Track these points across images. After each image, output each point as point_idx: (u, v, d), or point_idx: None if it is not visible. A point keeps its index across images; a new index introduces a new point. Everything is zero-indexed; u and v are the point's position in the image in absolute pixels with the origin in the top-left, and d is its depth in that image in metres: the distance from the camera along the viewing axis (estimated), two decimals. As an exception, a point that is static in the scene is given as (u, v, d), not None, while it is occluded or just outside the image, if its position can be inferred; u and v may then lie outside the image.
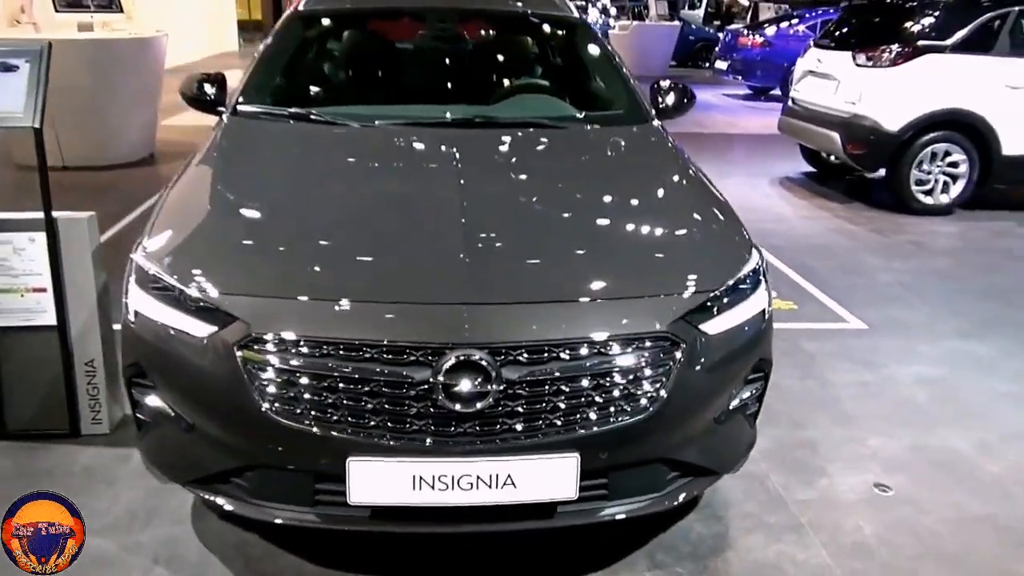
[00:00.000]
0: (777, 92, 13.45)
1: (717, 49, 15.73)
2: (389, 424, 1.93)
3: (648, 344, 2.01)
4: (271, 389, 1.94)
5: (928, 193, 6.55)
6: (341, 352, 1.92)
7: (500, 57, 3.93)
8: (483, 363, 1.89)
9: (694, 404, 2.11)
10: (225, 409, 2.00)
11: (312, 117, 3.07)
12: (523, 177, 2.83)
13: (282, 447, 1.98)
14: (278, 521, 2.06)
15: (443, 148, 2.88)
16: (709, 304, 2.12)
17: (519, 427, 1.95)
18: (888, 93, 6.45)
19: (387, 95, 3.52)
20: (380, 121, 3.06)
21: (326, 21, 3.79)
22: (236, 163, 2.81)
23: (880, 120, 6.41)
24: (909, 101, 6.37)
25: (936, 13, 6.48)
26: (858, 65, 6.67)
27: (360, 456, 1.92)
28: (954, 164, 6.47)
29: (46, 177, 2.69)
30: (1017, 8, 6.38)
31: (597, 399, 1.98)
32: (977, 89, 6.35)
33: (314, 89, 3.55)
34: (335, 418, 1.93)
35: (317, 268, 2.13)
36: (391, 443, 1.92)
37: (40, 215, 2.72)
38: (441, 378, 1.89)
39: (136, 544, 2.36)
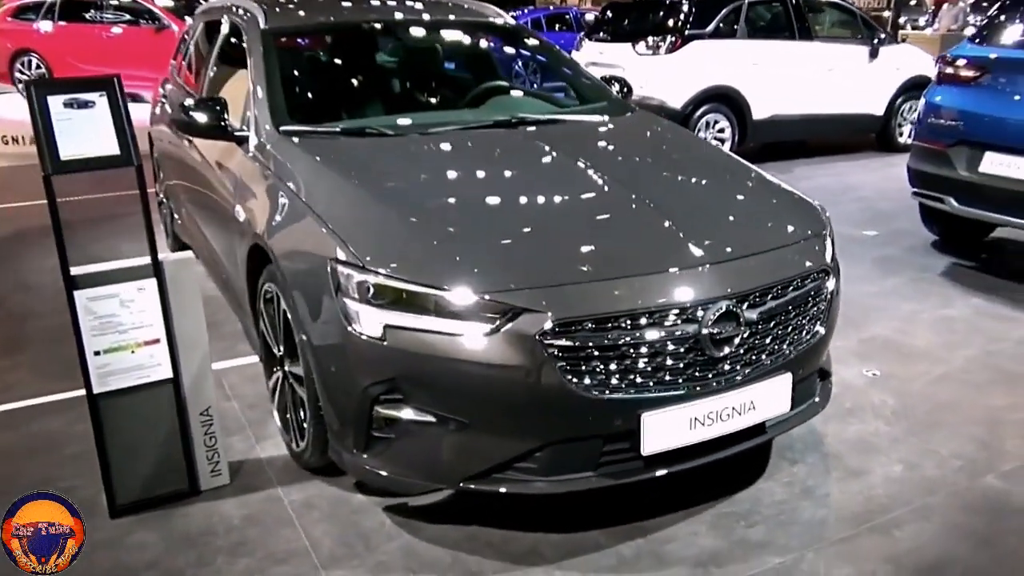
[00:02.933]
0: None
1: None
2: (668, 378, 2.24)
3: (819, 276, 2.55)
4: (573, 367, 2.15)
5: (706, 156, 7.87)
6: (627, 323, 2.19)
7: (470, 63, 4.15)
8: (735, 310, 2.29)
9: (834, 318, 2.69)
10: (523, 396, 2.15)
11: (368, 131, 3.11)
12: (622, 159, 3.14)
13: (583, 419, 2.19)
14: (565, 491, 2.26)
15: (530, 144, 3.11)
16: (828, 242, 2.71)
17: (755, 358, 2.37)
18: (669, 76, 7.61)
19: (390, 105, 3.61)
20: (434, 129, 3.19)
21: (299, 39, 3.73)
22: (365, 173, 2.78)
23: (666, 99, 7.55)
24: (686, 81, 7.58)
25: (695, 6, 7.76)
26: (639, 54, 7.77)
27: (651, 410, 2.21)
28: (721, 130, 7.84)
29: (150, 219, 2.48)
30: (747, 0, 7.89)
31: (799, 324, 2.47)
32: (731, 68, 7.74)
33: (327, 104, 3.52)
34: (627, 382, 2.20)
35: (563, 256, 2.32)
36: (673, 393, 2.24)
37: (145, 260, 2.49)
38: (705, 329, 2.25)
39: (381, 563, 2.37)
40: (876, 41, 8.76)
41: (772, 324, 2.40)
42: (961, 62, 5.00)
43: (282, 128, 3.06)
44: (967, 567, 2.37)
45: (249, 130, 3.15)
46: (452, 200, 2.65)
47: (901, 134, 9.22)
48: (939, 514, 2.60)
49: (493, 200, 2.65)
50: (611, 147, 3.29)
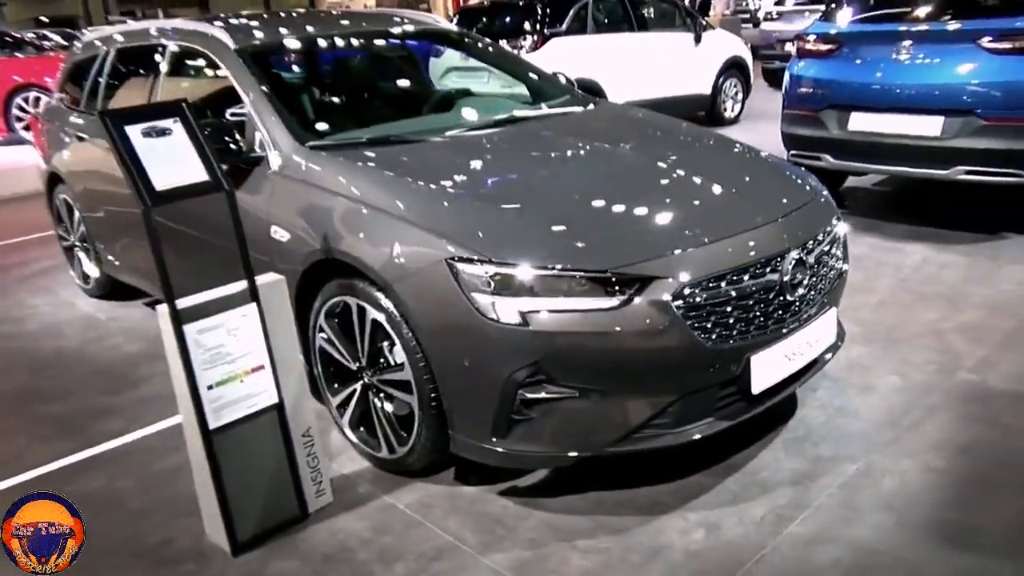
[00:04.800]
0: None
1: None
2: (766, 322, 2.56)
3: (839, 222, 2.97)
4: (699, 323, 2.40)
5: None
6: (735, 277, 2.47)
7: (433, 70, 4.23)
8: (804, 257, 2.64)
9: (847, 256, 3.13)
10: (658, 357, 2.38)
11: (391, 139, 3.16)
12: (640, 141, 3.37)
13: (708, 369, 2.45)
14: (698, 436, 2.51)
15: (556, 137, 3.32)
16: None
17: (814, 296, 2.74)
18: (536, 72, 7.99)
19: (379, 114, 3.66)
20: (451, 132, 3.29)
21: (274, 57, 3.66)
22: (426, 175, 2.83)
23: (536, 94, 7.93)
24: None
25: (549, 6, 8.20)
26: (505, 53, 8.08)
27: (756, 352, 2.52)
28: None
29: (244, 244, 2.42)
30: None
31: (832, 264, 2.87)
32: (588, 61, 8.26)
33: (327, 118, 3.50)
34: (737, 330, 2.48)
35: (666, 227, 2.56)
36: (771, 335, 2.56)
37: (243, 285, 2.43)
38: (786, 276, 2.59)
39: (532, 540, 2.49)
40: (698, 28, 9.68)
41: (820, 266, 2.78)
42: (815, 38, 5.77)
43: (309, 144, 3.04)
44: (988, 443, 2.89)
45: (267, 151, 3.09)
46: (529, 191, 2.80)
47: (725, 109, 10.26)
48: (944, 408, 3.12)
49: (566, 187, 2.82)
50: (621, 132, 3.54)
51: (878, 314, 4.03)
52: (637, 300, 2.35)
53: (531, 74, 4.21)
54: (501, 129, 3.38)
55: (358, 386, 2.87)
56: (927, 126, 5.05)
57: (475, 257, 2.39)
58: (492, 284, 2.36)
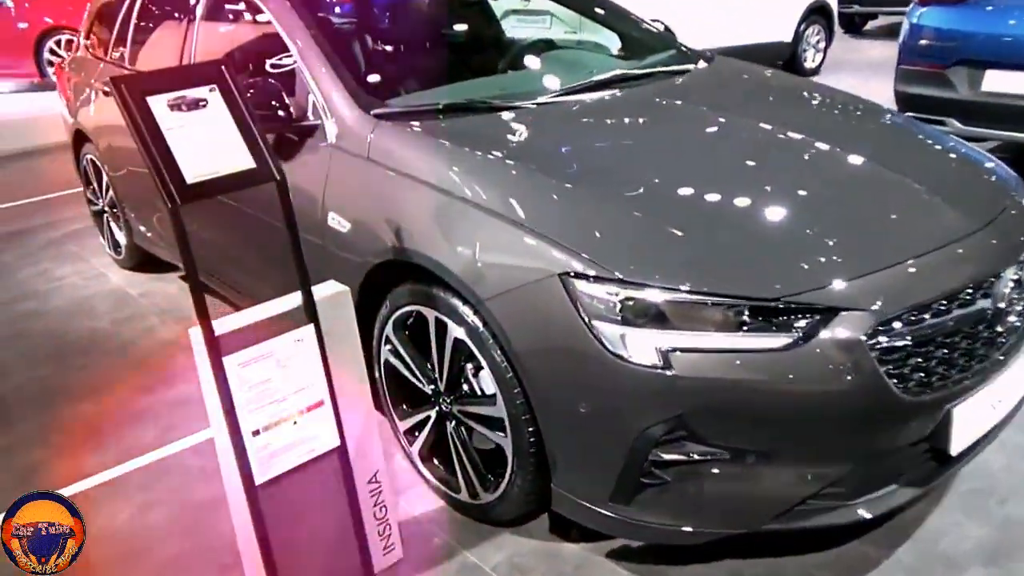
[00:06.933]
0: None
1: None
2: (968, 362, 1.95)
3: None
4: (896, 368, 1.81)
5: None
6: (940, 308, 1.86)
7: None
8: (1021, 276, 2.02)
9: None
10: (839, 410, 1.79)
11: (475, 105, 2.56)
12: (790, 113, 2.71)
13: (902, 425, 1.87)
14: (881, 512, 1.93)
15: (675, 105, 2.70)
16: None
17: (1018, 322, 2.10)
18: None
19: (455, 71, 3.05)
20: (546, 97, 2.67)
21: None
22: (528, 157, 2.26)
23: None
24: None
25: None
26: None
27: (959, 402, 1.92)
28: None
29: (299, 248, 1.86)
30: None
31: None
32: (652, 1, 7.46)
33: (392, 77, 2.90)
34: (939, 374, 1.88)
35: (851, 238, 1.94)
36: (976, 378, 1.95)
37: (296, 300, 1.89)
38: (1001, 303, 1.97)
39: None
40: (780, -33, 8.79)
41: (1026, 285, 2.15)
42: (945, -18, 4.97)
43: (373, 111, 2.46)
44: None
45: (322, 118, 2.52)
46: (662, 184, 2.15)
47: (806, 59, 9.40)
48: None
49: (708, 179, 2.19)
50: (759, 101, 2.88)
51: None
52: (817, 338, 1.76)
53: (618, 20, 3.52)
54: (605, 94, 2.75)
55: (433, 413, 2.35)
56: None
57: (600, 274, 1.82)
58: (622, 310, 1.79)
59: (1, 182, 6.60)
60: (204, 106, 1.77)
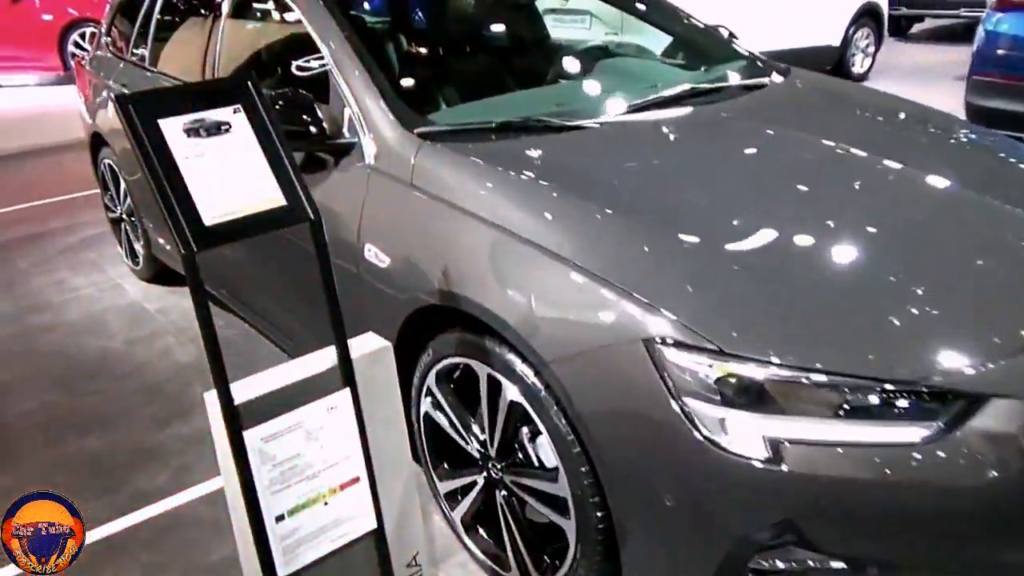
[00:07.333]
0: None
1: None
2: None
3: None
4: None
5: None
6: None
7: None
8: None
9: None
10: (984, 516, 1.47)
11: (533, 123, 2.25)
12: (897, 154, 2.23)
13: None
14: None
15: (765, 131, 2.35)
16: None
17: None
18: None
19: (500, 83, 2.76)
20: (609, 116, 2.37)
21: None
22: (599, 192, 1.91)
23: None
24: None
25: None
26: None
27: None
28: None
29: (334, 296, 1.57)
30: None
31: None
32: (698, 2, 7.11)
33: (434, 90, 2.61)
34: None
35: (971, 309, 1.62)
36: None
37: (331, 359, 1.60)
38: None
39: None
40: (830, -33, 8.40)
41: None
42: (1025, -14, 4.61)
43: (418, 131, 2.17)
44: None
45: (359, 134, 2.23)
46: (764, 232, 1.81)
47: (854, 64, 9.00)
48: None
49: (817, 227, 1.85)
50: (863, 125, 2.51)
51: None
52: (962, 431, 1.44)
53: (678, 24, 3.20)
54: (676, 112, 2.43)
55: (480, 479, 2.05)
56: None
57: (695, 342, 1.51)
58: (721, 389, 1.48)
59: (22, 180, 6.39)
60: (227, 131, 1.49)
